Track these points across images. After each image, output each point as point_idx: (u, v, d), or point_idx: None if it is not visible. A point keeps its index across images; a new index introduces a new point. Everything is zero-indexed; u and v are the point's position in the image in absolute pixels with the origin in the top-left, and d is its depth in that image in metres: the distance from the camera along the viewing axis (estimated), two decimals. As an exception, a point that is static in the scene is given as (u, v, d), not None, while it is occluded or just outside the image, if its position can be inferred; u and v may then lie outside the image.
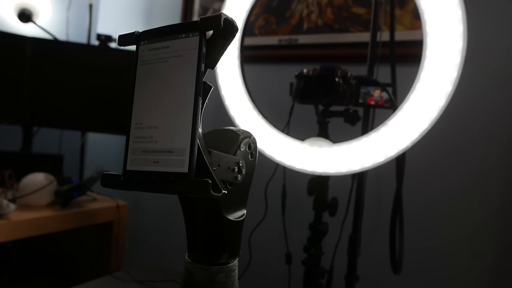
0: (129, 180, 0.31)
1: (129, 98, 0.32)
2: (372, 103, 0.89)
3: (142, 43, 0.32)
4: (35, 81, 1.52)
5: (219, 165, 0.32)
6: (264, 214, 1.13)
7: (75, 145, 1.83)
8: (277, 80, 1.38)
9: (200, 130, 0.30)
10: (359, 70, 0.95)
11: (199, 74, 0.30)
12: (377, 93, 0.88)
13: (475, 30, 0.83)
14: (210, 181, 0.27)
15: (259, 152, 0.98)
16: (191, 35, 0.30)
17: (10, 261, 1.65)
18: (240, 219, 0.35)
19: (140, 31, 0.33)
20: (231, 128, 0.38)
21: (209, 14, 1.63)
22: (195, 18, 1.68)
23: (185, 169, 0.28)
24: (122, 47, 0.33)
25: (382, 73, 0.95)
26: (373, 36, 0.94)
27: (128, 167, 0.31)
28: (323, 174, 0.90)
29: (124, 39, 0.33)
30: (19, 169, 1.35)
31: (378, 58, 0.95)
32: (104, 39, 1.64)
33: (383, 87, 0.88)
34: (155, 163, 0.30)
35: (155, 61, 0.32)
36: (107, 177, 0.32)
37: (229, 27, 0.30)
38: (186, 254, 0.35)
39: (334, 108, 0.93)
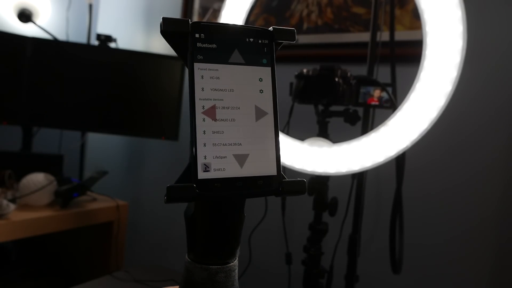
0: (207, 190, 0.28)
1: (190, 98, 0.28)
2: (375, 103, 0.89)
3: (196, 35, 0.29)
4: (35, 81, 1.52)
5: None
6: (264, 214, 1.13)
7: (75, 145, 1.83)
8: (277, 80, 1.38)
9: None
10: (359, 70, 0.95)
11: (274, 79, 0.31)
12: (378, 92, 0.88)
13: (475, 30, 0.83)
14: (305, 180, 0.30)
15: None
16: (259, 41, 0.31)
17: (10, 261, 1.65)
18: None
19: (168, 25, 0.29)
20: None
21: (209, 14, 1.63)
22: (195, 18, 1.68)
23: (273, 171, 0.29)
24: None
25: (382, 73, 0.95)
26: (373, 36, 0.94)
27: (201, 176, 0.28)
28: (323, 174, 0.90)
29: (173, 24, 0.28)
30: (19, 169, 1.35)
31: (378, 58, 0.95)
32: (104, 39, 1.64)
33: (383, 87, 0.88)
34: (236, 168, 0.29)
35: (217, 60, 0.29)
36: (177, 190, 0.27)
37: None
38: (186, 254, 0.35)
39: (334, 108, 0.93)
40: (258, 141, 0.29)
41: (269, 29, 0.32)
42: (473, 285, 1.07)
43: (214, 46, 0.29)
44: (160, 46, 1.79)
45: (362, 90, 0.89)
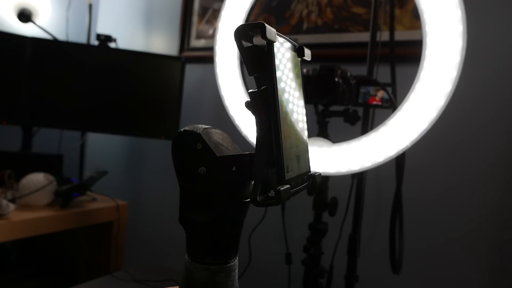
0: (289, 188, 0.30)
1: (272, 105, 0.30)
2: (377, 102, 0.89)
3: (276, 44, 0.30)
4: (34, 81, 1.52)
5: None
6: (264, 214, 1.13)
7: (75, 145, 1.83)
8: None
9: None
10: (359, 70, 0.95)
11: (302, 90, 0.36)
12: (380, 93, 0.88)
13: (475, 30, 0.83)
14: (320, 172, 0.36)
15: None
16: (298, 56, 0.35)
17: (10, 261, 1.65)
18: None
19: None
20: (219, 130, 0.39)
21: (208, 14, 1.63)
22: (195, 18, 1.68)
23: (308, 167, 0.35)
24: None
25: (382, 73, 0.95)
26: (373, 36, 0.94)
27: (287, 177, 0.30)
28: (322, 174, 0.90)
29: (271, 33, 0.29)
30: (19, 169, 1.35)
31: (378, 58, 0.95)
32: (104, 39, 1.64)
33: (383, 87, 0.88)
34: (297, 167, 0.33)
35: (285, 70, 0.32)
36: (286, 193, 0.29)
37: None
38: (186, 254, 0.35)
39: (334, 108, 0.93)
40: (302, 143, 0.35)
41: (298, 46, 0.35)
42: (473, 286, 1.08)
43: (281, 56, 0.32)
44: (160, 46, 1.79)
45: (362, 90, 0.89)
